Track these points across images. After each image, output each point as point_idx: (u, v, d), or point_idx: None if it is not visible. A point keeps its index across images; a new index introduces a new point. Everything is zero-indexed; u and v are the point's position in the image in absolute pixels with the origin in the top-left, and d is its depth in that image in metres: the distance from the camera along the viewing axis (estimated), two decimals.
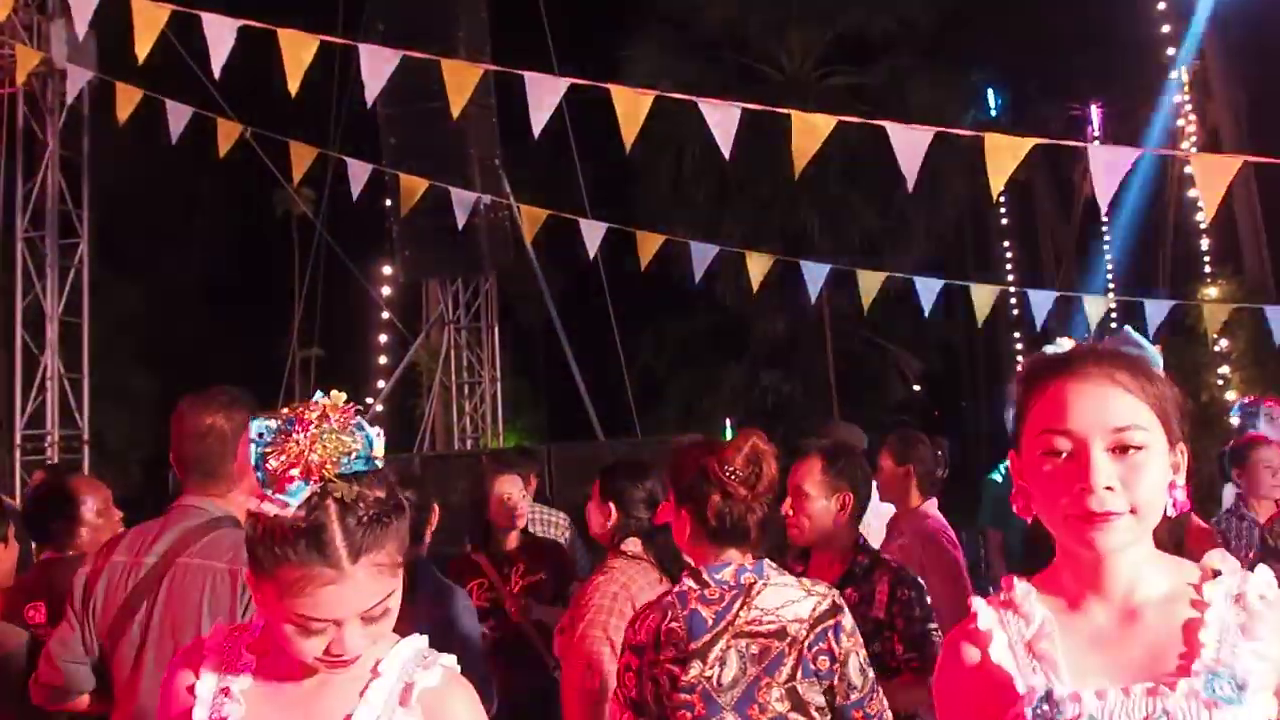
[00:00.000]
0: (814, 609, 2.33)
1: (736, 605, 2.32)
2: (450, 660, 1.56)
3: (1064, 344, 1.47)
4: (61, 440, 10.38)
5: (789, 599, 2.34)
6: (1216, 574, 1.41)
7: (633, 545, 3.21)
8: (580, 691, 2.95)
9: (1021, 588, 1.44)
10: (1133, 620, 1.38)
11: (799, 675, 2.29)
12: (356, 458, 1.42)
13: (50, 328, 10.37)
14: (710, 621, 2.31)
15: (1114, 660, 1.36)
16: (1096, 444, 1.34)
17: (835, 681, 2.32)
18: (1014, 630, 1.40)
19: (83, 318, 10.57)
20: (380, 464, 1.46)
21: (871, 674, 2.37)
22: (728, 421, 17.21)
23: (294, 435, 1.39)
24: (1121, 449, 1.34)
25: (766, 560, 2.41)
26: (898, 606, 3.03)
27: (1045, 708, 1.33)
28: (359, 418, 1.45)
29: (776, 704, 2.27)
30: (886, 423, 12.08)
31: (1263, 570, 1.42)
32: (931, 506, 4.14)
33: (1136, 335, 1.46)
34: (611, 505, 3.25)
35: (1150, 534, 1.38)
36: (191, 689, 1.54)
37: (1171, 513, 1.38)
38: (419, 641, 1.56)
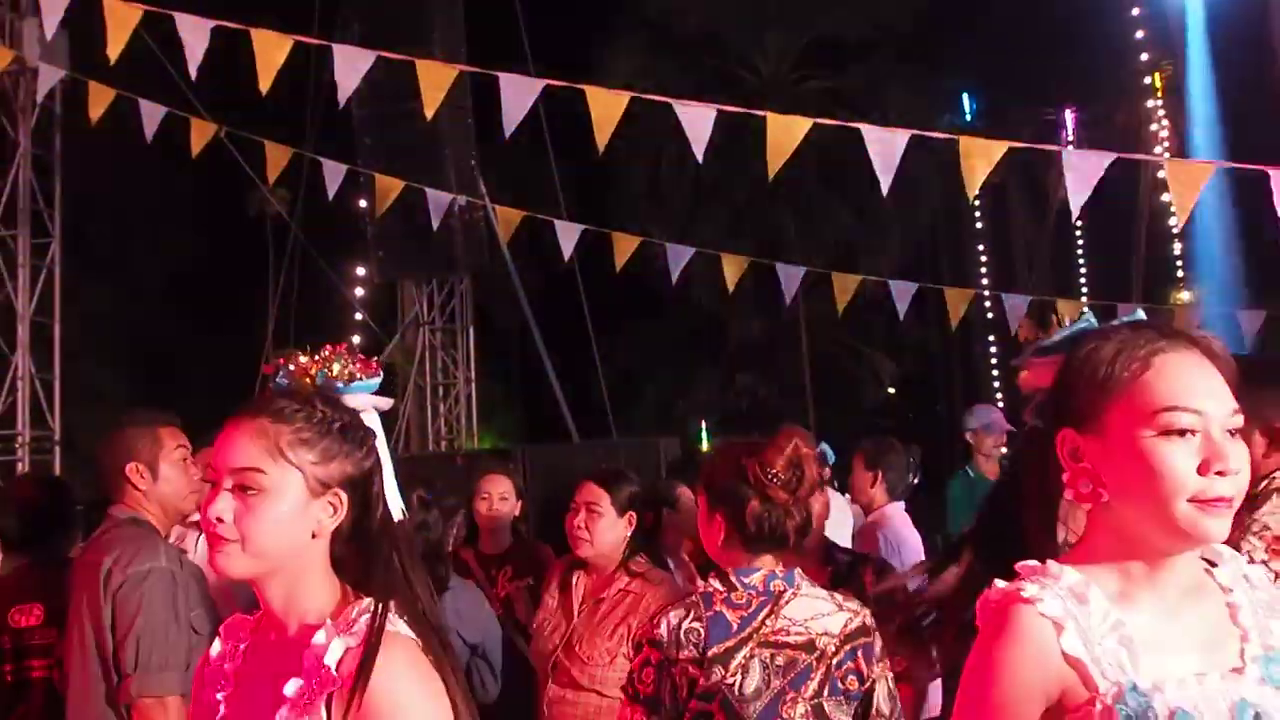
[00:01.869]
0: (845, 625, 2.23)
1: (763, 613, 2.22)
2: (394, 623, 1.51)
3: (1138, 313, 1.40)
4: (32, 441, 10.27)
5: (819, 611, 2.24)
6: (1210, 563, 1.39)
7: (643, 560, 3.21)
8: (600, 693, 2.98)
9: (1076, 575, 1.32)
10: (1179, 611, 1.33)
11: (825, 692, 2.19)
12: (332, 379, 1.60)
13: (21, 328, 10.25)
14: (735, 627, 2.20)
15: (1174, 651, 1.30)
16: (1217, 425, 1.27)
17: (861, 705, 2.23)
18: (1081, 619, 1.29)
19: (54, 318, 10.46)
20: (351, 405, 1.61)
21: (898, 700, 2.27)
22: (703, 423, 17.25)
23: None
24: (1232, 432, 1.28)
25: (798, 569, 2.30)
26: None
27: (1133, 702, 1.26)
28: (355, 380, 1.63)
29: (800, 719, 2.17)
30: (861, 426, 12.14)
31: (1236, 554, 1.42)
32: (895, 509, 4.21)
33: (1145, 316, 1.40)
34: (632, 515, 3.24)
35: None
36: (204, 672, 1.62)
37: None
38: (367, 605, 1.53)
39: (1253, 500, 2.35)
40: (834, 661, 2.19)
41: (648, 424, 15.65)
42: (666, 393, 16.88)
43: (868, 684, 2.22)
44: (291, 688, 1.46)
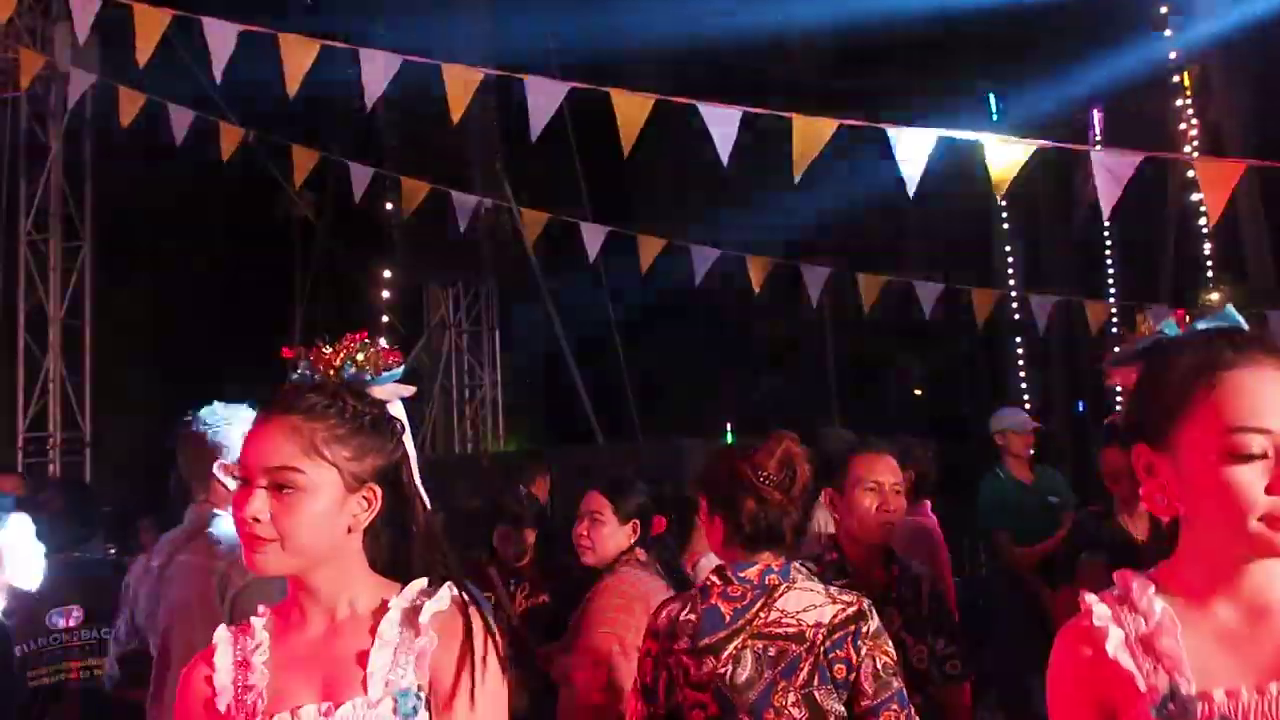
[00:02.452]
0: (835, 615, 2.28)
1: (757, 605, 2.29)
2: (456, 591, 1.57)
3: (1168, 324, 1.38)
4: (63, 443, 10.39)
5: (811, 604, 2.29)
6: None
7: (640, 553, 3.29)
8: (587, 688, 3.01)
9: (1138, 583, 1.35)
10: (1262, 619, 1.31)
11: (816, 681, 2.24)
12: (359, 371, 1.60)
13: (52, 331, 10.38)
14: (728, 618, 2.28)
15: (1244, 659, 1.29)
16: None
17: (851, 690, 2.26)
18: (1131, 626, 1.31)
19: (84, 321, 10.58)
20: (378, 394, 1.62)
21: (895, 683, 2.27)
22: (729, 425, 17.22)
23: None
24: None
25: (795, 564, 2.37)
26: (934, 604, 3.03)
27: (1171, 707, 1.26)
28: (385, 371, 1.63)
29: (793, 709, 2.22)
30: (887, 426, 12.08)
31: None
32: (925, 507, 4.21)
33: (1235, 312, 1.38)
34: (636, 523, 3.32)
35: None
36: (209, 680, 1.57)
37: None
38: (424, 581, 1.58)
39: None
40: (822, 650, 2.24)
41: (673, 426, 15.63)
42: (692, 394, 16.85)
43: (856, 667, 2.26)
44: (381, 654, 1.50)
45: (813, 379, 16.28)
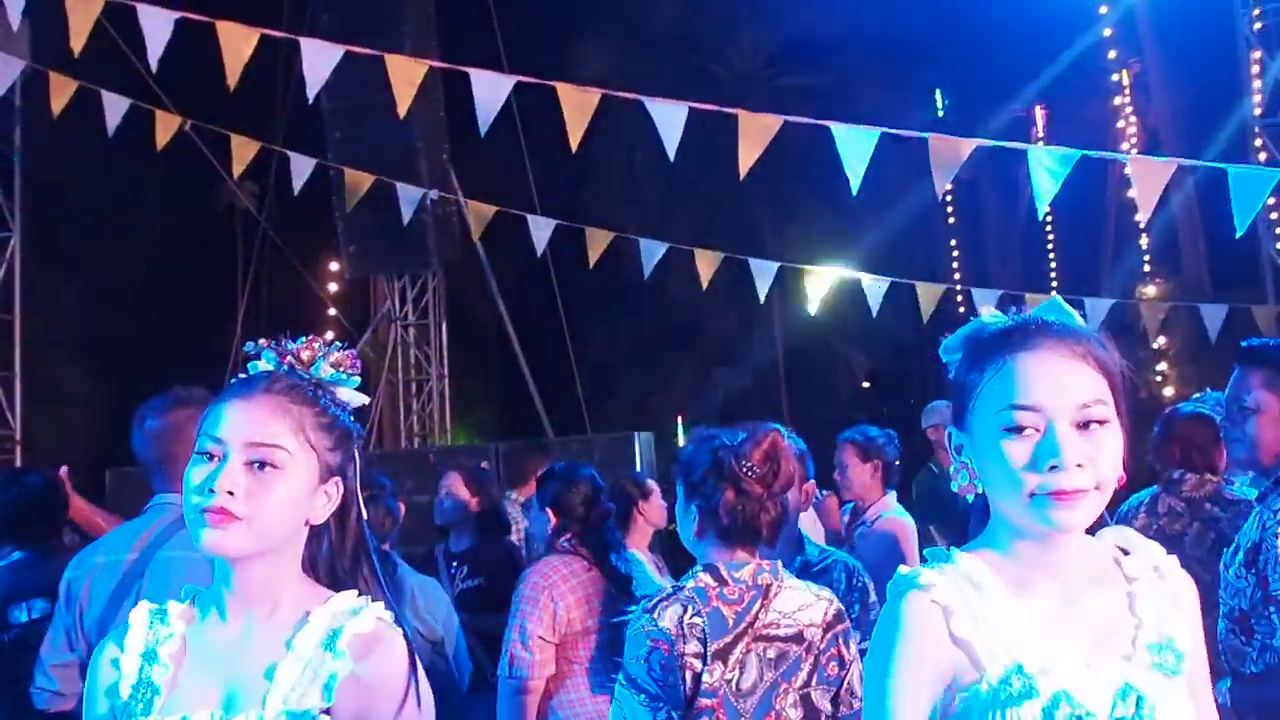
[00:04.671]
0: (825, 613, 2.27)
1: (755, 607, 2.24)
2: (383, 611, 1.53)
3: (995, 315, 1.43)
4: None
5: (804, 603, 2.27)
6: (1123, 550, 1.44)
7: (566, 542, 3.35)
8: (501, 679, 3.15)
9: (972, 561, 1.39)
10: (1077, 598, 1.37)
11: (814, 681, 2.24)
12: (332, 372, 1.58)
13: None
14: (731, 622, 2.21)
15: (1067, 635, 1.35)
16: (1063, 419, 1.30)
17: (841, 690, 2.26)
18: (973, 604, 1.35)
19: (14, 314, 10.32)
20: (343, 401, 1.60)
21: None
22: (679, 419, 17.25)
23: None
24: (1085, 424, 1.31)
25: (779, 561, 2.34)
26: (854, 595, 3.00)
27: (1015, 682, 1.30)
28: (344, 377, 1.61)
29: (790, 710, 2.21)
30: (835, 419, 12.17)
31: (1156, 544, 1.46)
32: (893, 498, 4.18)
33: (1063, 303, 1.43)
34: (549, 512, 3.42)
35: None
36: (116, 662, 1.51)
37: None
38: (352, 596, 1.54)
39: (1278, 481, 2.37)
40: (820, 650, 2.24)
41: (623, 419, 15.64)
42: (642, 387, 16.87)
43: (848, 668, 2.26)
44: (289, 670, 1.45)
45: (762, 372, 16.37)
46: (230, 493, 1.43)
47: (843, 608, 2.31)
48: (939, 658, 1.34)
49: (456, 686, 3.57)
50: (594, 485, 3.44)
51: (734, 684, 2.18)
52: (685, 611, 2.20)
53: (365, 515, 1.61)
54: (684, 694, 2.18)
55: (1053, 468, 1.28)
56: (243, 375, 1.56)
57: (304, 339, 1.60)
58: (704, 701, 2.18)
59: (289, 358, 1.57)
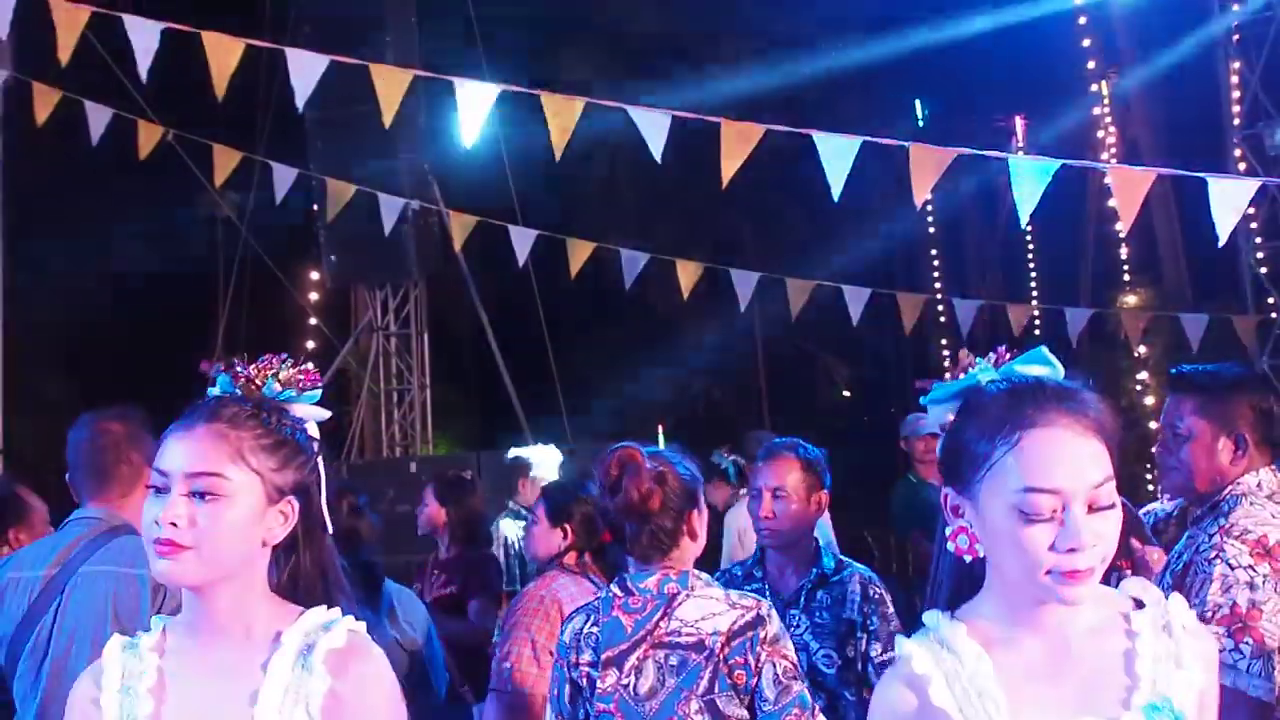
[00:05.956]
0: (734, 622, 2.30)
1: (657, 615, 2.31)
2: (355, 624, 1.54)
3: (987, 371, 1.44)
4: None
5: (710, 611, 2.32)
6: (1138, 603, 1.44)
7: (572, 558, 3.30)
8: (498, 691, 3.08)
9: (950, 625, 1.41)
10: (1065, 652, 1.38)
11: (716, 689, 2.26)
12: (281, 389, 1.58)
13: None
14: (629, 630, 2.31)
15: (1052, 693, 1.36)
16: (1078, 501, 1.32)
17: (752, 695, 2.28)
18: (950, 669, 1.37)
19: None
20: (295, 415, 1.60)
21: (796, 687, 2.29)
22: (660, 428, 17.27)
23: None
24: (1097, 505, 1.33)
25: (693, 571, 2.39)
26: (870, 606, 3.02)
27: None
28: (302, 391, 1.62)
29: (696, 716, 2.25)
30: (815, 428, 12.21)
31: (1178, 599, 1.46)
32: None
33: (1048, 354, 1.45)
34: (567, 528, 3.34)
35: None
36: (95, 701, 1.51)
37: None
38: (323, 612, 1.54)
39: (1215, 507, 2.42)
40: (722, 658, 2.27)
41: (604, 428, 15.63)
42: (623, 397, 16.86)
43: (756, 672, 2.28)
44: (270, 695, 1.45)
45: (743, 381, 16.40)
46: (174, 524, 1.45)
47: (765, 616, 2.32)
48: None
49: (434, 694, 3.56)
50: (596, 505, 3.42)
51: (630, 689, 2.27)
52: (586, 621, 2.36)
53: (331, 529, 1.61)
54: (579, 704, 2.32)
55: (1071, 550, 1.31)
56: (196, 402, 1.57)
57: (264, 358, 1.61)
58: (600, 705, 2.28)
59: (242, 379, 1.58)
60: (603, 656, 2.29)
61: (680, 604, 2.32)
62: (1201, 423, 2.46)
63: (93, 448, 2.54)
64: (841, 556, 3.25)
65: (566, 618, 2.45)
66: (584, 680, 2.32)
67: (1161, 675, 1.38)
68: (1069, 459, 1.33)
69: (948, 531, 1.43)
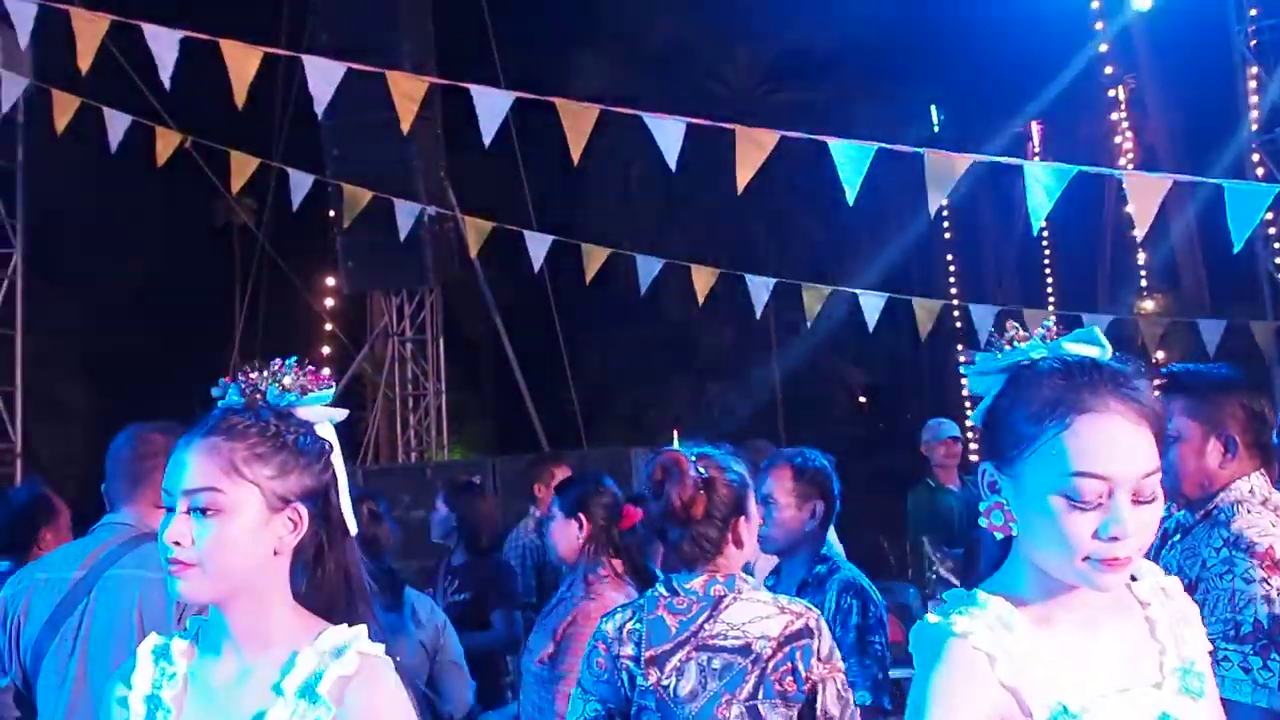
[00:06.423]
0: (784, 628, 2.27)
1: (702, 617, 2.29)
2: (371, 647, 1.51)
3: (1036, 346, 1.39)
4: None
5: (758, 615, 2.29)
6: (1132, 575, 1.44)
7: (618, 565, 3.18)
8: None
9: (998, 603, 1.38)
10: (1096, 629, 1.38)
11: (760, 694, 2.24)
12: (283, 393, 1.55)
13: None
14: (674, 630, 2.28)
15: (1097, 670, 1.36)
16: (1124, 490, 1.30)
17: (805, 708, 2.26)
18: (1008, 646, 1.35)
19: (16, 329, 10.34)
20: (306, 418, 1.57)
21: (853, 701, 2.30)
22: (675, 434, 17.25)
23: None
24: (1141, 496, 1.31)
25: (740, 574, 2.37)
26: (839, 615, 2.96)
27: None
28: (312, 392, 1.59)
29: None
30: (831, 435, 12.18)
31: (1152, 565, 1.48)
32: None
33: (1099, 334, 1.40)
34: (582, 517, 3.22)
35: None
36: (124, 701, 1.53)
37: None
38: (341, 633, 1.52)
39: (1210, 515, 2.37)
40: (770, 664, 2.24)
41: (619, 435, 15.63)
42: (638, 403, 16.85)
43: (809, 685, 2.26)
44: (279, 717, 1.45)
45: (758, 388, 16.38)
46: (177, 543, 1.46)
47: (814, 628, 2.29)
48: (988, 707, 1.33)
49: (462, 697, 3.56)
50: (616, 496, 3.30)
51: (670, 689, 2.25)
52: (630, 618, 2.33)
53: (351, 534, 1.58)
54: (620, 693, 2.29)
55: (1113, 538, 1.29)
56: (203, 415, 1.56)
57: (270, 365, 1.58)
58: (640, 703, 2.27)
59: (247, 389, 1.56)
60: (645, 654, 2.27)
61: (727, 607, 2.29)
62: (1190, 424, 2.38)
63: (132, 455, 2.56)
64: (838, 561, 3.20)
65: (608, 612, 2.41)
66: (625, 674, 2.28)
67: (1181, 639, 1.40)
68: (1121, 446, 1.31)
69: (982, 508, 1.41)
